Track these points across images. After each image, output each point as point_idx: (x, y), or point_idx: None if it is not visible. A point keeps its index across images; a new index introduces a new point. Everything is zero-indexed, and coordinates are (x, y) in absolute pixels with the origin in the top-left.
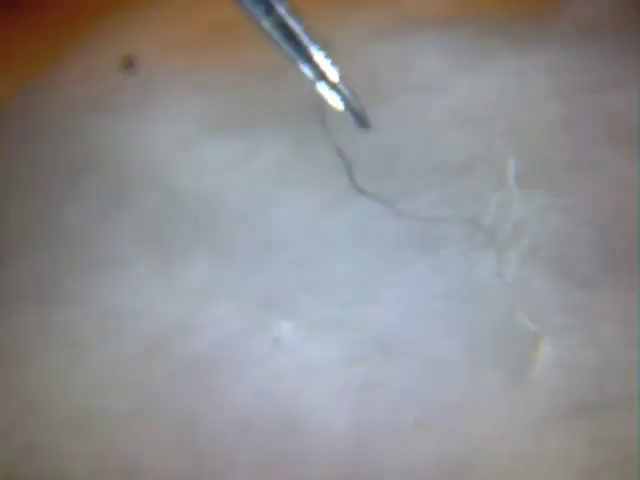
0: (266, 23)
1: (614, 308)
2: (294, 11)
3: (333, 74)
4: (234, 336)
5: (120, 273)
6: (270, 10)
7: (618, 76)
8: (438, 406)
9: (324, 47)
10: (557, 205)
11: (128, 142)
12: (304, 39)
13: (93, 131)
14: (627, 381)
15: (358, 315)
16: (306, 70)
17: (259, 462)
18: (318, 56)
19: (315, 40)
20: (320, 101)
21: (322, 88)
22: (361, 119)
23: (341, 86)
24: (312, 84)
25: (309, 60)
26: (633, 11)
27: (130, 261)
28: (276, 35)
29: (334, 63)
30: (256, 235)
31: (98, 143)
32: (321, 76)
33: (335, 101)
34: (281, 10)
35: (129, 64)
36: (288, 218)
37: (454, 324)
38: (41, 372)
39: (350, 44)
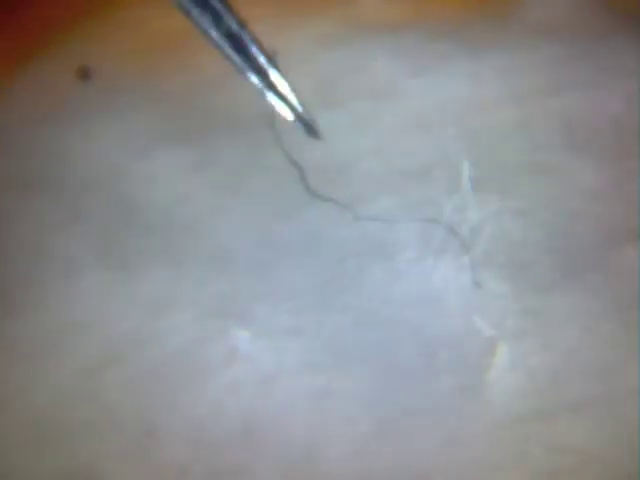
0: (214, 33)
1: (570, 311)
2: (242, 21)
3: (282, 84)
4: (189, 346)
5: (73, 285)
6: (218, 20)
7: (573, 79)
8: (394, 413)
9: (272, 57)
10: (512, 209)
11: (80, 153)
12: (252, 50)
13: (45, 143)
14: (584, 385)
15: (313, 322)
16: (255, 80)
17: (214, 472)
18: (266, 66)
19: (263, 50)
20: (271, 110)
21: (271, 98)
22: (311, 129)
23: (290, 96)
24: (261, 94)
25: (258, 70)
26: (588, 13)
27: (83, 272)
28: (224, 45)
29: (282, 73)
30: (210, 244)
31: (50, 155)
32: (270, 86)
33: (284, 111)
34: (228, 20)
35: (85, 74)
36: (242, 226)
37: (410, 330)
38: None
39: (302, 50)
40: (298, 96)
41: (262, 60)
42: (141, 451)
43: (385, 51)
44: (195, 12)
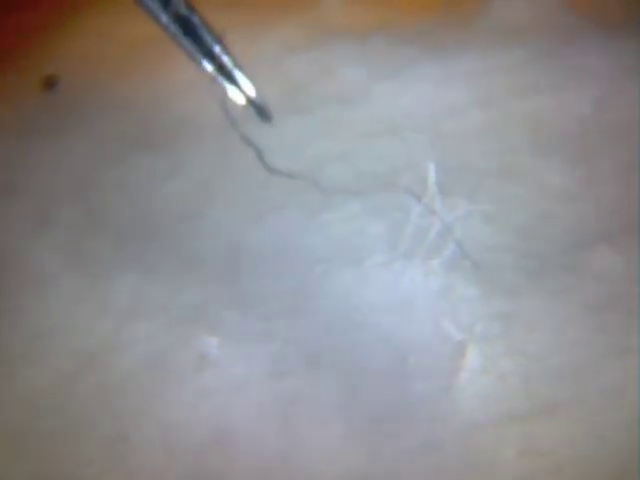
0: (164, 17)
1: (540, 314)
2: (191, 5)
3: (232, 67)
4: (160, 352)
5: (46, 292)
6: (166, 4)
7: (540, 81)
8: (366, 417)
9: (220, 39)
10: (481, 212)
11: (50, 161)
12: (201, 32)
13: (15, 152)
14: (555, 387)
15: (284, 328)
16: (206, 65)
17: (189, 477)
18: (216, 49)
19: (211, 32)
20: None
21: (223, 82)
22: (262, 112)
23: (241, 79)
24: (213, 79)
25: (207, 53)
26: (555, 16)
27: (56, 280)
28: (174, 29)
29: (231, 55)
30: (180, 251)
31: (19, 164)
32: (221, 69)
33: (236, 95)
34: (177, 4)
35: (51, 84)
36: (212, 233)
37: (380, 334)
38: None
39: (270, 56)
40: (250, 80)
41: (211, 42)
42: (115, 457)
43: (352, 56)
44: None
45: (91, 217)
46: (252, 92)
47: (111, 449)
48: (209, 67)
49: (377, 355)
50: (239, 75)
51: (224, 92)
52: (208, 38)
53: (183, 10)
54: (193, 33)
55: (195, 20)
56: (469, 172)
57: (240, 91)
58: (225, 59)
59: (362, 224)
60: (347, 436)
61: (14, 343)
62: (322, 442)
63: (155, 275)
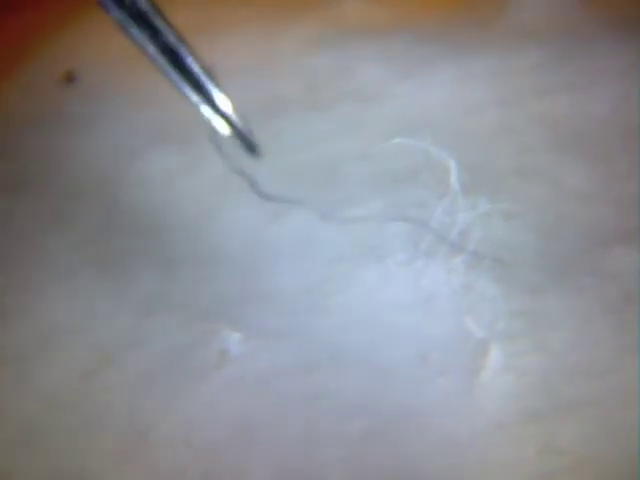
0: (151, 48)
1: (561, 313)
2: (180, 36)
3: (220, 98)
4: (180, 349)
5: (64, 288)
6: (155, 36)
7: (558, 81)
8: (388, 415)
9: (210, 71)
10: (501, 211)
11: (69, 157)
12: (189, 64)
13: (33, 147)
14: (576, 386)
15: (305, 325)
16: (191, 95)
17: (210, 474)
18: (204, 80)
19: (201, 64)
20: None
21: (208, 112)
22: (249, 145)
23: (228, 110)
24: (198, 109)
25: (195, 84)
26: (573, 17)
27: (74, 275)
28: (161, 61)
29: (220, 86)
30: (200, 246)
31: (38, 159)
32: (207, 100)
33: (221, 126)
34: (166, 35)
35: (70, 79)
36: (234, 229)
37: (402, 332)
38: None
39: (289, 54)
40: (237, 110)
41: (199, 74)
42: (136, 453)
43: (371, 55)
44: (133, 29)
45: (110, 213)
46: (239, 124)
47: (130, 445)
48: (195, 97)
49: (398, 353)
50: (225, 105)
51: (209, 122)
52: (196, 68)
53: (172, 41)
54: (181, 64)
55: (184, 51)
56: (489, 171)
57: (226, 123)
58: (214, 90)
59: (383, 222)
60: (369, 432)
61: (32, 339)
62: (344, 438)
63: (175, 271)
